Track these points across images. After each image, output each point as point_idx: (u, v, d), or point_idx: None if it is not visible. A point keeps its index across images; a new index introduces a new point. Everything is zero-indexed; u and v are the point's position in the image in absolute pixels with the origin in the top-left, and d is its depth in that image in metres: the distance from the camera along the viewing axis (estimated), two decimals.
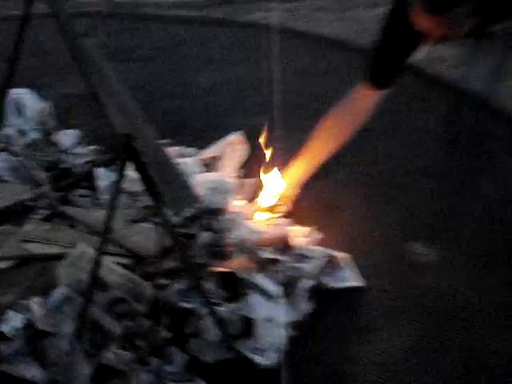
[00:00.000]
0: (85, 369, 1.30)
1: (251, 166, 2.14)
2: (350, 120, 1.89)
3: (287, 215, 1.95)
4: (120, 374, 1.41)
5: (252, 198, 1.99)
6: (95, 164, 2.05)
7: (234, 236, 1.73)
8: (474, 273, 1.79)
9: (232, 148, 2.14)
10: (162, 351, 1.48)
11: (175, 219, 1.72)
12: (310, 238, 1.86)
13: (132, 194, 1.93)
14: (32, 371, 1.29)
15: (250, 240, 1.74)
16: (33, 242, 1.69)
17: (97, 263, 1.26)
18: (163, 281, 1.63)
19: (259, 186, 1.99)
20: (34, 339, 1.32)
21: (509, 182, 2.15)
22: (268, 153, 2.01)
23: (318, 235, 1.86)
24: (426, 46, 1.69)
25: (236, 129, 2.26)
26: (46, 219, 1.84)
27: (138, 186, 1.86)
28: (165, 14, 3.90)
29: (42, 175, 2.02)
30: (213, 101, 2.76)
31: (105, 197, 1.96)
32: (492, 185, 2.13)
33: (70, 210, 1.88)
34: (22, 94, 2.37)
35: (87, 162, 2.12)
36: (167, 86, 2.90)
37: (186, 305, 1.60)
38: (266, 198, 1.96)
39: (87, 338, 1.36)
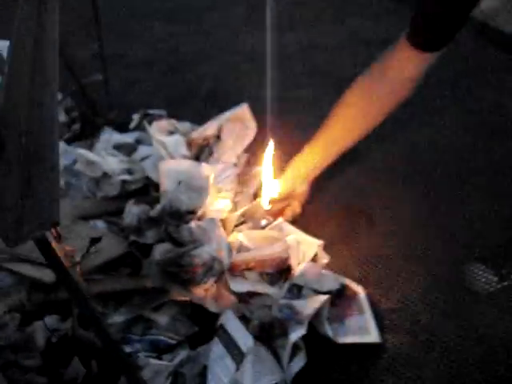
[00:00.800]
0: None
1: (257, 150, 1.61)
2: (385, 93, 1.31)
3: (293, 221, 1.42)
4: None
5: (250, 195, 1.45)
6: None
7: (203, 251, 1.21)
8: None
9: (234, 125, 1.60)
10: None
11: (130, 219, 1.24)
12: (318, 258, 1.33)
13: (95, 182, 1.46)
14: None
15: (225, 259, 1.22)
16: None
17: None
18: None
19: (258, 181, 1.45)
20: None
21: None
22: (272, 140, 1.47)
23: (326, 256, 1.32)
24: None
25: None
26: None
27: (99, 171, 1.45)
28: None
29: None
30: (250, 67, 2.25)
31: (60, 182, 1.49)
32: None
33: None
34: None
35: None
36: (205, 50, 2.50)
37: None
38: (266, 196, 1.42)
39: None
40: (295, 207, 1.44)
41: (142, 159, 1.52)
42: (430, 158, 1.70)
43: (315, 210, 1.49)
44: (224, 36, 2.57)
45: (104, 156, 1.46)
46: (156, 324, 1.20)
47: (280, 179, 1.46)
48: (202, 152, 1.59)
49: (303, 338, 1.14)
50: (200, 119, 1.73)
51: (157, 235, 1.27)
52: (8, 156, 0.81)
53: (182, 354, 1.15)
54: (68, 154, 1.51)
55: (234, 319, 1.15)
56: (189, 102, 2.04)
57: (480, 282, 1.30)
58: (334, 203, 1.52)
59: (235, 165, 1.55)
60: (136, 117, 1.76)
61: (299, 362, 1.13)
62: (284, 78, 2.12)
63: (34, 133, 0.86)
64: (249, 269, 1.24)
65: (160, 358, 1.15)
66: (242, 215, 1.38)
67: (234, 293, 1.21)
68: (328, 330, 1.16)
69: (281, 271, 1.26)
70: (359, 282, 1.27)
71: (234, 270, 1.22)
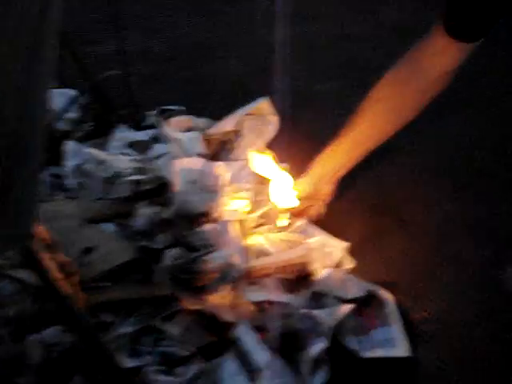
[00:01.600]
0: None
1: (280, 147, 1.52)
2: (418, 87, 1.20)
3: (316, 222, 1.32)
4: None
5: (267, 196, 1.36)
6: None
7: (216, 256, 1.13)
8: None
9: (255, 120, 1.51)
10: None
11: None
12: (343, 262, 1.23)
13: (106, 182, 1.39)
14: None
15: (240, 265, 1.14)
16: None
17: None
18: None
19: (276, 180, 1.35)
20: None
21: None
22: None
23: (352, 260, 1.22)
24: None
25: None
26: None
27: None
28: None
29: None
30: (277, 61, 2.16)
31: (71, 183, 1.43)
32: None
33: None
34: None
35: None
36: (229, 43, 2.38)
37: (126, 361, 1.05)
38: (286, 196, 1.32)
39: None
40: (319, 207, 1.34)
41: (157, 157, 1.44)
42: (461, 154, 1.58)
43: (340, 210, 1.39)
44: (248, 29, 2.47)
45: (116, 155, 1.39)
46: (168, 335, 1.11)
47: (304, 178, 1.36)
48: (221, 149, 1.51)
49: (326, 350, 1.04)
50: (221, 114, 1.65)
51: (168, 239, 1.19)
52: None
53: (195, 367, 1.07)
54: (79, 152, 1.44)
55: (250, 331, 1.07)
56: (210, 97, 1.95)
57: None
58: (359, 202, 1.42)
59: None
60: (154, 113, 1.68)
61: (321, 378, 1.04)
62: (309, 70, 2.03)
63: (22, 133, 0.79)
64: (267, 275, 1.15)
65: (172, 371, 1.07)
66: (262, 216, 1.29)
67: (250, 301, 1.12)
68: (353, 342, 1.06)
69: (302, 277, 1.17)
70: (387, 288, 1.16)
71: (251, 277, 1.13)
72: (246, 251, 1.15)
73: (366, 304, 1.14)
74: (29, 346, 0.97)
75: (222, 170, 1.24)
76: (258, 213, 1.25)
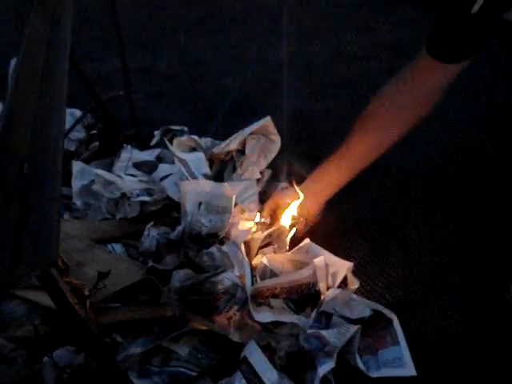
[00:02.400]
0: None
1: (282, 166, 1.54)
2: (406, 105, 1.23)
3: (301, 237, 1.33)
4: None
5: (273, 216, 1.37)
6: None
7: (224, 278, 1.14)
8: None
9: (258, 139, 1.53)
10: None
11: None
12: (348, 282, 1.24)
13: (113, 202, 1.40)
14: None
15: (248, 286, 1.15)
16: None
17: None
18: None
19: (278, 202, 1.37)
20: None
21: None
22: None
23: (356, 280, 1.23)
24: None
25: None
26: None
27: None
28: None
29: None
30: (278, 79, 2.18)
31: (78, 203, 1.44)
32: None
33: None
34: None
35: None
36: (230, 61, 2.44)
37: (136, 381, 1.06)
38: (288, 216, 1.34)
39: None
40: (300, 226, 1.37)
41: (163, 178, 1.46)
42: (463, 169, 1.60)
43: (342, 230, 1.41)
44: (249, 47, 2.50)
45: (123, 176, 1.41)
46: (176, 355, 1.13)
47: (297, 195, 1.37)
48: (224, 168, 1.53)
49: (333, 370, 1.05)
50: (224, 133, 1.67)
51: (176, 260, 1.20)
52: (7, 185, 0.75)
53: None
54: (86, 173, 1.46)
55: (258, 351, 1.08)
56: (213, 116, 1.98)
57: None
58: (363, 221, 1.44)
59: (258, 181, 1.48)
60: (157, 133, 1.70)
61: None
62: (307, 88, 2.05)
63: (37, 160, 0.80)
64: (274, 295, 1.16)
65: None
66: (267, 236, 1.30)
67: (258, 321, 1.13)
68: (359, 362, 1.07)
69: (308, 297, 1.18)
70: (391, 307, 1.17)
71: (258, 297, 1.15)
72: (253, 272, 1.16)
73: (372, 323, 1.15)
74: (44, 367, 0.97)
75: (230, 191, 1.25)
76: (264, 233, 1.26)
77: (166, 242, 1.23)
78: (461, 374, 1.07)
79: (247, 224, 1.26)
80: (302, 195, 1.34)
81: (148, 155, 1.59)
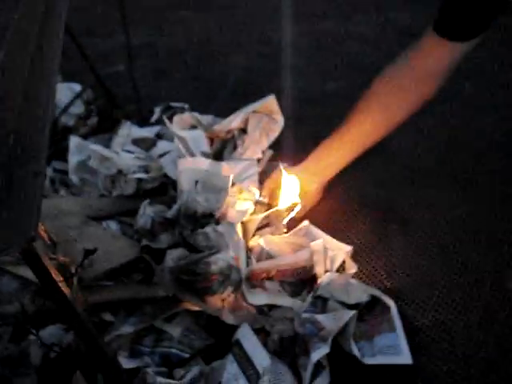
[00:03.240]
0: None
1: (284, 146, 1.51)
2: (407, 84, 1.21)
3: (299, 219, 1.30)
4: None
5: (272, 195, 1.34)
6: None
7: (219, 258, 1.12)
8: None
9: (260, 117, 1.50)
10: None
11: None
12: (346, 266, 1.22)
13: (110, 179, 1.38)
14: None
15: (243, 267, 1.13)
16: None
17: None
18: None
19: (277, 182, 1.34)
20: None
21: None
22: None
23: (354, 265, 1.21)
24: None
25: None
26: None
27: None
28: None
29: None
30: (283, 60, 2.14)
31: (74, 178, 1.42)
32: None
33: None
34: None
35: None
36: (236, 40, 2.38)
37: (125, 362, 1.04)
38: (287, 197, 1.31)
39: None
40: (304, 206, 1.33)
41: (161, 155, 1.43)
42: (468, 152, 1.56)
43: (343, 212, 1.38)
44: (256, 26, 2.46)
45: (119, 152, 1.38)
46: (168, 335, 1.11)
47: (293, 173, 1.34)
48: (224, 146, 1.50)
49: (327, 355, 1.03)
50: (227, 112, 1.63)
51: (171, 239, 1.18)
52: None
53: (195, 369, 1.06)
54: (83, 149, 1.43)
55: (251, 335, 1.06)
56: (216, 94, 1.94)
57: None
58: (363, 204, 1.40)
59: (259, 160, 1.45)
60: (158, 110, 1.67)
61: (322, 383, 1.02)
62: (315, 69, 2.01)
63: (24, 133, 0.78)
64: (269, 278, 1.14)
65: (171, 373, 1.07)
66: (265, 218, 1.28)
67: (252, 304, 1.11)
68: (354, 348, 1.05)
69: (304, 281, 1.16)
70: (389, 294, 1.15)
71: (253, 279, 1.12)
72: (248, 254, 1.14)
73: (369, 309, 1.13)
74: (30, 345, 0.96)
75: (228, 170, 1.23)
76: (262, 215, 1.24)
77: (161, 220, 1.20)
78: (457, 364, 1.04)
79: (245, 204, 1.23)
80: (297, 177, 1.32)
81: (147, 132, 1.56)
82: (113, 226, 1.27)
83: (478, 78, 1.84)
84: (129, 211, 1.31)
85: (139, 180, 1.33)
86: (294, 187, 1.30)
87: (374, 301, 1.14)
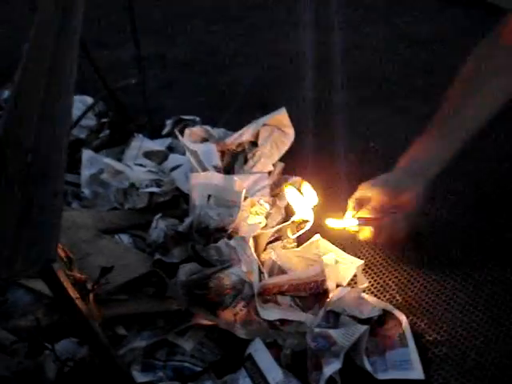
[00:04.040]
0: None
1: (295, 160, 1.52)
2: (501, 63, 1.10)
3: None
4: None
5: (283, 209, 1.35)
6: None
7: (231, 273, 1.12)
8: None
9: (271, 130, 1.50)
10: None
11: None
12: (358, 280, 1.22)
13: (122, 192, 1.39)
14: None
15: (255, 282, 1.13)
16: None
17: None
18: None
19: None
20: None
21: None
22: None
23: (366, 279, 1.21)
24: None
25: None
26: None
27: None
28: None
29: None
30: (293, 71, 2.14)
31: (86, 192, 1.43)
32: None
33: None
34: None
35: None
36: (246, 51, 2.38)
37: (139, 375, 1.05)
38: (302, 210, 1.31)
39: None
40: (394, 223, 1.14)
41: (173, 169, 1.44)
42: (481, 165, 1.56)
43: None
44: (265, 37, 2.47)
45: (132, 166, 1.39)
46: (181, 349, 1.11)
47: (379, 179, 1.18)
48: (235, 159, 1.51)
49: (339, 370, 1.04)
50: (238, 124, 1.65)
51: (183, 253, 1.19)
52: (10, 176, 0.73)
53: (208, 383, 1.06)
54: (95, 162, 1.44)
55: (264, 349, 1.06)
56: (227, 106, 1.95)
57: None
58: None
59: (269, 173, 1.46)
60: (169, 123, 1.68)
61: None
62: (324, 81, 2.02)
63: (42, 151, 0.79)
64: (281, 292, 1.14)
65: None
66: (277, 231, 1.28)
67: (265, 319, 1.11)
68: (366, 363, 1.05)
69: (316, 295, 1.16)
70: (400, 308, 1.15)
71: (266, 294, 1.13)
72: (260, 268, 1.14)
73: (381, 323, 1.13)
74: (46, 360, 0.96)
75: (240, 185, 1.23)
76: (274, 229, 1.24)
77: (173, 234, 1.21)
78: (469, 380, 1.04)
79: (257, 218, 1.24)
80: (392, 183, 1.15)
81: (159, 145, 1.57)
82: (125, 239, 1.28)
83: None
84: (140, 224, 1.32)
85: (151, 194, 1.34)
86: (308, 202, 1.30)
87: (386, 315, 1.14)
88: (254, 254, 1.15)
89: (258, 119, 1.53)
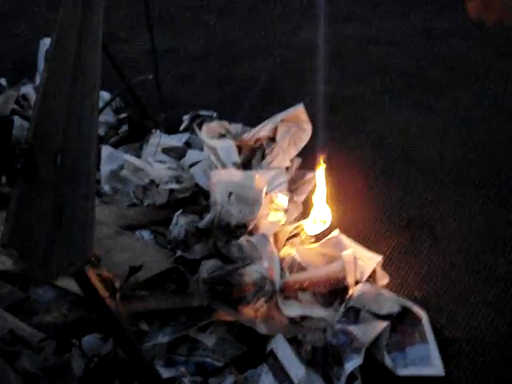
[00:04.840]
0: None
1: (312, 155, 1.52)
2: None
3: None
4: None
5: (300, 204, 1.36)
6: None
7: (253, 270, 1.13)
8: None
9: (289, 126, 1.51)
10: None
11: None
12: (377, 277, 1.23)
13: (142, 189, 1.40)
14: None
15: (276, 279, 1.14)
16: None
17: None
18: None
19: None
20: None
21: None
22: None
23: (386, 275, 1.22)
24: None
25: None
26: None
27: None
28: None
29: None
30: (307, 64, 2.13)
31: (106, 188, 1.44)
32: None
33: None
34: None
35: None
36: (260, 44, 2.37)
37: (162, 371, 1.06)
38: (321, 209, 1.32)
39: None
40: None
41: (192, 165, 1.45)
42: (495, 158, 1.56)
43: (373, 221, 1.39)
44: (280, 30, 2.46)
45: (152, 163, 1.40)
46: (202, 345, 1.13)
47: None
48: (253, 155, 1.51)
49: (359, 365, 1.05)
50: (254, 118, 1.65)
51: (205, 250, 1.20)
52: (41, 179, 0.74)
53: (229, 379, 1.08)
54: (115, 158, 1.45)
55: (286, 346, 1.07)
56: (242, 100, 1.95)
57: None
58: (393, 214, 1.41)
59: (287, 169, 1.47)
60: (186, 118, 1.69)
61: None
62: (339, 74, 2.01)
63: (70, 151, 0.80)
64: (302, 289, 1.15)
65: (206, 382, 1.09)
66: (295, 228, 1.29)
67: (287, 316, 1.13)
68: (387, 359, 1.06)
69: (336, 291, 1.17)
70: (421, 304, 1.16)
71: (287, 291, 1.14)
72: (281, 265, 1.15)
73: (400, 319, 1.14)
74: (72, 357, 0.98)
75: (261, 183, 1.24)
76: (293, 226, 1.25)
77: (194, 230, 1.22)
78: (489, 377, 1.05)
79: (277, 215, 1.25)
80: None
81: (177, 140, 1.58)
82: (146, 235, 1.29)
83: None
84: (161, 221, 1.33)
85: (171, 190, 1.35)
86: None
87: (406, 311, 1.15)
88: (276, 251, 1.16)
89: (275, 115, 1.54)
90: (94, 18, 1.16)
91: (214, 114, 1.69)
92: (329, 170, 1.41)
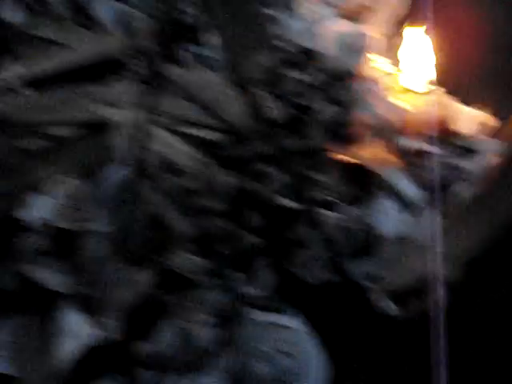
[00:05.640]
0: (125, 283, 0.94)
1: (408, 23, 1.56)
2: None
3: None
4: (188, 285, 1.05)
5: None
6: None
7: (368, 113, 1.23)
8: None
9: None
10: (245, 264, 1.09)
11: None
12: (482, 126, 1.31)
13: None
14: (56, 279, 0.96)
15: (390, 120, 1.24)
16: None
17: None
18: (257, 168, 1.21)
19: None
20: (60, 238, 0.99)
21: None
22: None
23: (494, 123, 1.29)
24: None
25: None
26: (141, 80, 1.46)
27: None
28: None
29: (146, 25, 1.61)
30: None
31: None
32: None
33: (169, 69, 1.47)
34: None
35: None
36: None
37: (287, 203, 1.17)
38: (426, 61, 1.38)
39: (144, 238, 1.01)
40: None
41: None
42: None
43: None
44: None
45: None
46: (321, 183, 1.22)
47: None
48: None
49: None
50: None
51: (318, 97, 1.28)
52: None
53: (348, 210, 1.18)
54: None
55: (399, 173, 1.17)
56: None
57: None
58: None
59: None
60: None
61: None
62: None
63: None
64: (415, 131, 1.24)
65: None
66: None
67: (400, 155, 1.22)
68: None
69: (447, 133, 1.26)
70: None
71: (401, 131, 1.23)
72: (397, 109, 1.24)
73: None
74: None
75: (365, 29, 1.31)
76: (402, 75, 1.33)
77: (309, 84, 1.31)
78: None
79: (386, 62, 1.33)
80: None
81: None
82: None
83: None
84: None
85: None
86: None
87: None
88: (388, 95, 1.25)
89: None
90: None
91: None
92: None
